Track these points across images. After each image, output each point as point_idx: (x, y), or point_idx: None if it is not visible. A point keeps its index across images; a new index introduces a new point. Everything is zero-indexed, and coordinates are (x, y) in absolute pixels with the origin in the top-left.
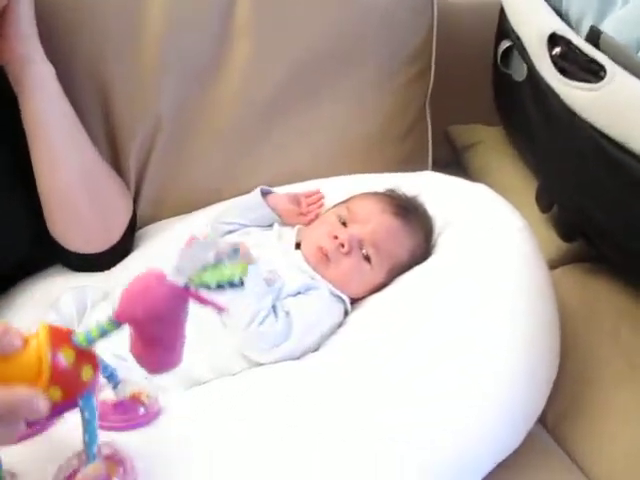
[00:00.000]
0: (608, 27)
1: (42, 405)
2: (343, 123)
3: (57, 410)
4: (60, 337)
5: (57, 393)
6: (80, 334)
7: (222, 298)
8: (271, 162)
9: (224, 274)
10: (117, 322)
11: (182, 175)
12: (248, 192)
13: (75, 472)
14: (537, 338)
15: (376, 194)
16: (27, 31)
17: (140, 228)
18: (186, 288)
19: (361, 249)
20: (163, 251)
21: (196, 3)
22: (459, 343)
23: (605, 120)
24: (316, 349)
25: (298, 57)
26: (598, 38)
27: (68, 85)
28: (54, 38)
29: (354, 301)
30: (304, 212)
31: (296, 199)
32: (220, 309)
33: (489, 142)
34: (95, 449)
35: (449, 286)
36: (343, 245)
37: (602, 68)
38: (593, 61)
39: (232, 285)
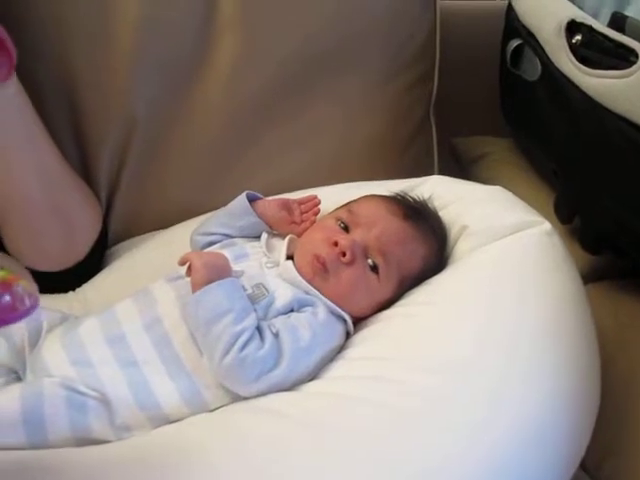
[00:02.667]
0: (631, 14)
1: None
2: (340, 128)
3: None
4: None
5: None
6: None
7: None
8: (261, 171)
9: None
10: None
11: (159, 186)
12: None
13: None
14: (577, 365)
15: (382, 196)
16: None
17: (113, 245)
18: None
19: (366, 257)
20: (138, 269)
21: None
22: (480, 367)
23: (637, 109)
24: (311, 378)
25: (290, 56)
26: (624, 23)
27: (31, 84)
28: (15, 28)
29: (357, 320)
30: (297, 220)
31: (287, 205)
32: None
33: (497, 154)
34: None
35: (469, 304)
36: (344, 253)
37: (632, 52)
38: (621, 45)
39: None
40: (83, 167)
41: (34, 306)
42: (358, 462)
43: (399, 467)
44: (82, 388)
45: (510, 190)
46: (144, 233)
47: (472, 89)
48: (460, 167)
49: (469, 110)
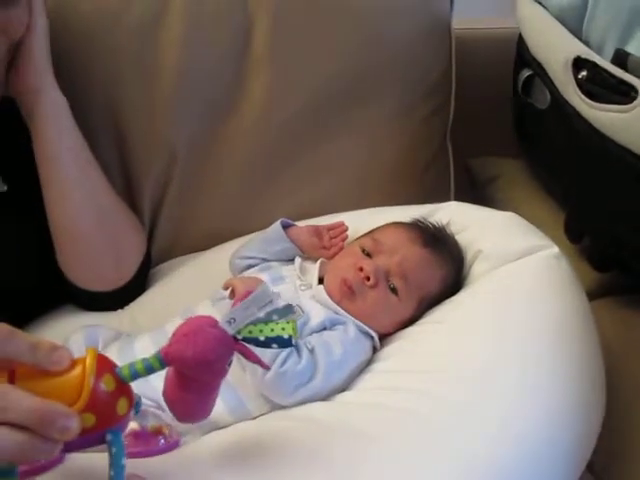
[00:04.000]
0: (633, 50)
1: (75, 425)
2: (364, 157)
3: (85, 438)
4: (105, 365)
5: (91, 419)
6: (125, 367)
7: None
8: (290, 197)
9: (274, 329)
10: (164, 360)
11: (198, 211)
12: (266, 227)
13: None
14: (583, 377)
15: (403, 224)
16: (42, 64)
17: (155, 266)
18: (235, 338)
19: (387, 282)
20: (179, 289)
21: (212, 35)
22: (498, 378)
23: (638, 141)
24: (344, 389)
25: (316, 90)
26: (626, 60)
27: (80, 117)
28: (68, 72)
29: (382, 336)
30: (327, 245)
31: (318, 232)
32: (265, 367)
33: (512, 174)
34: None
35: (484, 319)
36: (368, 278)
37: (633, 88)
38: (622, 82)
39: (281, 342)
40: (129, 196)
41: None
42: (384, 463)
43: (420, 470)
44: (141, 399)
45: (523, 210)
46: (182, 255)
47: (487, 112)
48: (475, 187)
49: (484, 131)
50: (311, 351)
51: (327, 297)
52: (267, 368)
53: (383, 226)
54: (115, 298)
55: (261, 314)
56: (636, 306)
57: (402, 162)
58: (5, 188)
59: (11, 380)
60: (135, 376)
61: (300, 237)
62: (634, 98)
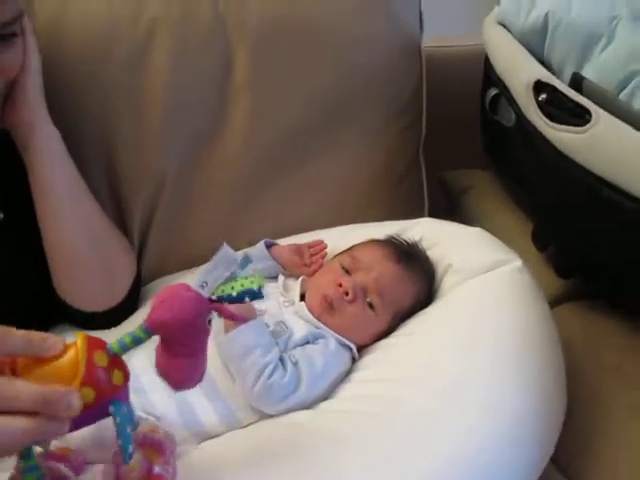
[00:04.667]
0: (589, 73)
1: (76, 401)
2: (342, 174)
3: (90, 414)
4: (96, 344)
5: (90, 394)
6: (114, 342)
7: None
8: (272, 216)
9: (243, 284)
10: (148, 329)
11: (185, 231)
12: (251, 245)
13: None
14: (544, 378)
15: (379, 241)
16: (35, 100)
17: (145, 284)
18: (210, 300)
19: (365, 297)
20: None
21: (196, 65)
22: (468, 385)
23: (594, 161)
24: (326, 397)
25: (295, 115)
26: (581, 83)
27: (73, 148)
28: (60, 105)
29: (360, 348)
30: (307, 263)
31: (299, 250)
32: (239, 319)
33: (482, 186)
34: (130, 449)
35: (453, 330)
36: (347, 293)
37: (587, 111)
38: (578, 105)
39: (252, 294)
40: (119, 219)
41: None
42: (362, 462)
43: (394, 471)
44: (140, 412)
45: (493, 219)
46: (172, 273)
47: (458, 126)
48: (448, 198)
49: (455, 144)
50: (295, 364)
51: (308, 313)
52: (242, 320)
53: (360, 244)
54: (108, 317)
55: (228, 273)
56: (597, 310)
57: (378, 176)
58: (1, 216)
59: (14, 372)
60: (125, 348)
61: (282, 255)
62: (588, 120)
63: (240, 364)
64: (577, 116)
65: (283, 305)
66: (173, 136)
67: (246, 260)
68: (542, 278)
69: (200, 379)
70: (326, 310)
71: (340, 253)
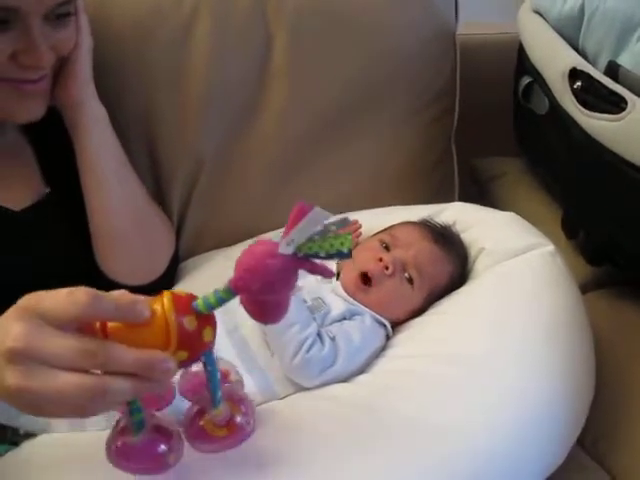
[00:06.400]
0: (625, 61)
1: (172, 366)
2: (376, 159)
3: (182, 366)
4: (182, 305)
5: (184, 355)
6: (200, 301)
7: None
8: (308, 196)
9: (333, 244)
10: (232, 290)
11: (222, 210)
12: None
13: (202, 411)
14: (574, 361)
15: (414, 223)
16: (85, 77)
17: (182, 261)
18: (295, 256)
19: (404, 272)
20: (205, 283)
21: (237, 48)
22: (499, 367)
23: (628, 148)
24: (362, 372)
25: (331, 99)
26: (617, 71)
27: (115, 127)
28: (105, 85)
29: (394, 325)
30: None
31: None
32: (329, 274)
33: (513, 173)
34: (219, 395)
35: (486, 311)
36: (387, 267)
37: (623, 99)
38: (614, 93)
39: (341, 255)
40: (159, 196)
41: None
42: (391, 437)
43: (422, 444)
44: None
45: (524, 207)
46: (209, 250)
47: (490, 113)
48: (478, 186)
49: (487, 132)
50: (332, 339)
51: (342, 291)
52: (332, 275)
53: (397, 224)
54: (147, 291)
55: (318, 229)
56: (626, 297)
57: (411, 163)
58: (48, 190)
59: (104, 335)
60: (210, 308)
61: None
62: (623, 109)
63: (280, 338)
64: (612, 104)
65: (321, 282)
66: (213, 116)
67: (344, 220)
68: (571, 265)
69: (282, 317)
70: (360, 288)
71: (377, 232)
